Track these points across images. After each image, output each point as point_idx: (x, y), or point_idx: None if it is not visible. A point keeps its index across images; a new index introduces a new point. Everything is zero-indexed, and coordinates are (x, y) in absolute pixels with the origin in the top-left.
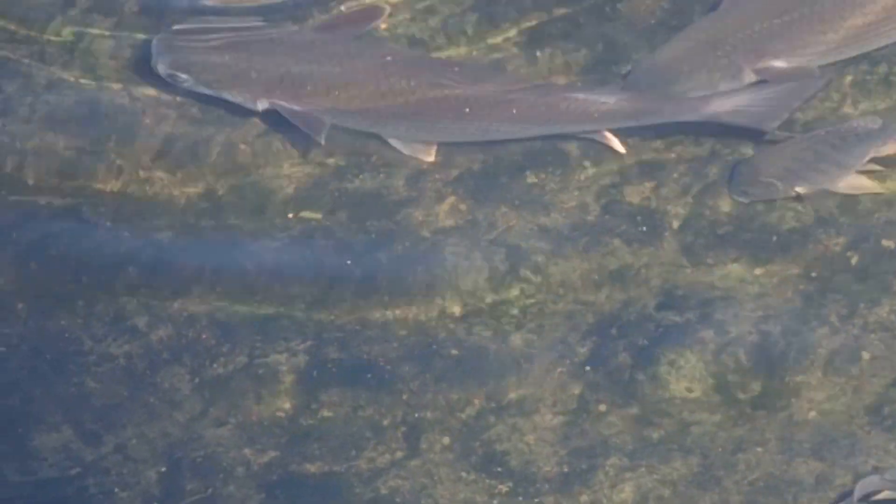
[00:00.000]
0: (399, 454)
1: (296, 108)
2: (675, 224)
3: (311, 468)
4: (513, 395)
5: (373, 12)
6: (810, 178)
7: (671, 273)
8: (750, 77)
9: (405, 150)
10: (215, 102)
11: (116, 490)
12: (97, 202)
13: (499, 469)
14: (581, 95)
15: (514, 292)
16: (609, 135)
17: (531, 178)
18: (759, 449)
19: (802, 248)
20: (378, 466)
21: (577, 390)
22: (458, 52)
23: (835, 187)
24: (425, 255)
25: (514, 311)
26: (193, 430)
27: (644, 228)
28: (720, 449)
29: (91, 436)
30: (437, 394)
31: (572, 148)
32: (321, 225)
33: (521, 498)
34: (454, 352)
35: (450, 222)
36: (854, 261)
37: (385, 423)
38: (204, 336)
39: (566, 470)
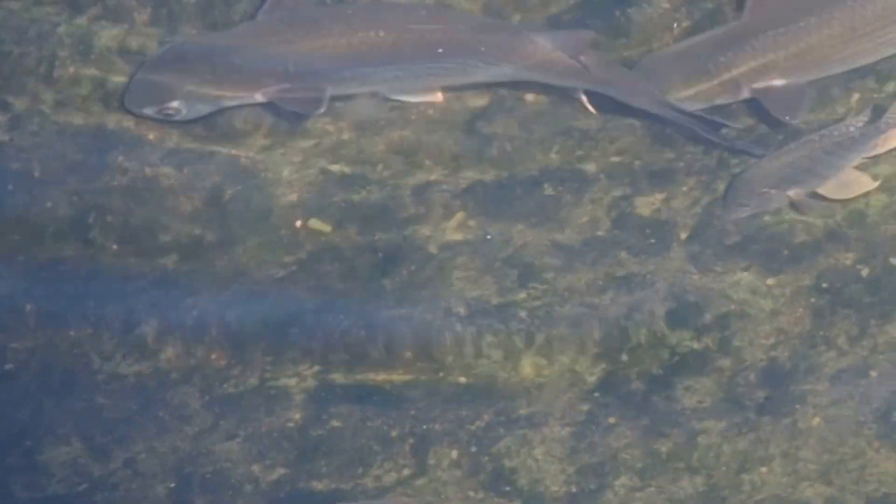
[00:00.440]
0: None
1: (289, 94)
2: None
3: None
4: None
5: None
6: (807, 182)
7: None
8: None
9: (413, 100)
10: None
11: None
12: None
13: (507, 488)
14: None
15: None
16: (584, 97)
17: (548, 191)
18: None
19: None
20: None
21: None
22: None
23: (826, 189)
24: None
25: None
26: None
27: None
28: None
29: (100, 450)
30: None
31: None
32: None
33: None
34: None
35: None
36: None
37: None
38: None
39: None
